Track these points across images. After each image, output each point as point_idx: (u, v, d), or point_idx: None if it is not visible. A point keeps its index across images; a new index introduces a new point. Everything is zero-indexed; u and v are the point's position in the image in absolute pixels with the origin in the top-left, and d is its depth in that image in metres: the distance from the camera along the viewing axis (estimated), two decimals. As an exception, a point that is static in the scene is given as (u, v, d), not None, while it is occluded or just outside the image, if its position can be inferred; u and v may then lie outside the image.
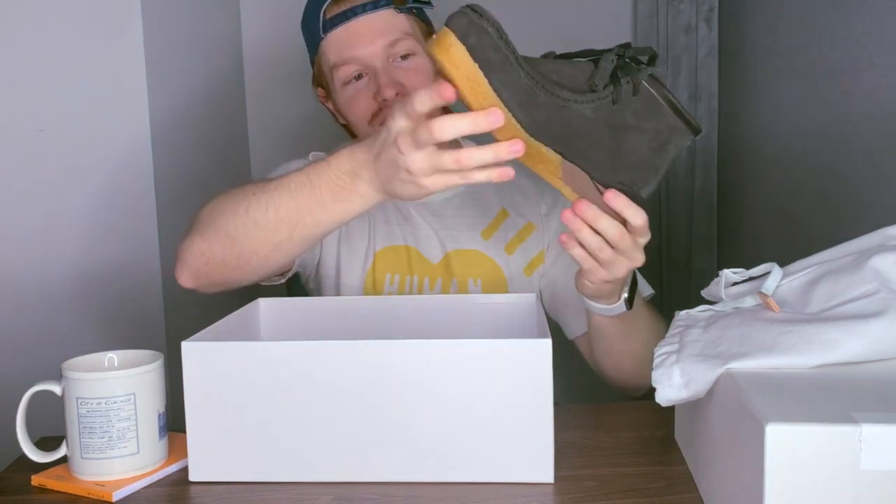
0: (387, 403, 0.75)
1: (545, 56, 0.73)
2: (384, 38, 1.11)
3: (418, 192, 0.76)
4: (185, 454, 0.80)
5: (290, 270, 1.10)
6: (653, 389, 0.72)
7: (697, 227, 1.99)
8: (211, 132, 1.67)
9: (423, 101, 0.70)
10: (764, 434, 0.54)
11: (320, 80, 1.20)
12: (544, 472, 0.75)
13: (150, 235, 1.33)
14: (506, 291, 1.15)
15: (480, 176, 0.73)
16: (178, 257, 0.92)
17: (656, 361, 0.73)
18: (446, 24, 0.67)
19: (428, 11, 1.20)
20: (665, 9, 1.94)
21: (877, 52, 1.21)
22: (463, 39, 0.66)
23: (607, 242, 0.80)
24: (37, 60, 1.28)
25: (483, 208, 1.19)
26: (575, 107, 0.71)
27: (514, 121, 0.70)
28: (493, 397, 0.74)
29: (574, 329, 1.15)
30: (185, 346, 0.77)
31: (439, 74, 0.71)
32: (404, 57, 1.12)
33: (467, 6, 0.67)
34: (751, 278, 0.80)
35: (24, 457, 0.81)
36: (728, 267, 0.81)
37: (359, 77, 1.13)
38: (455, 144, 0.76)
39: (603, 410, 0.96)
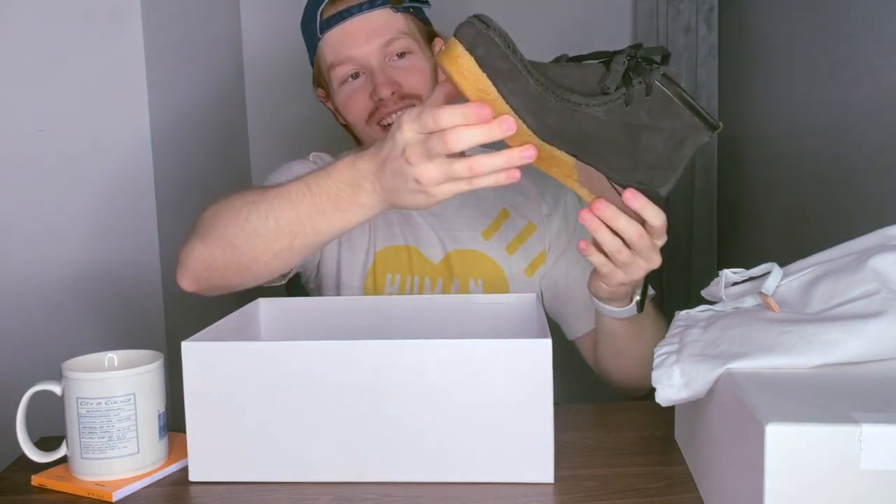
0: (387, 403, 0.75)
1: (557, 60, 0.73)
2: (380, 38, 1.11)
3: (427, 202, 0.75)
4: (185, 454, 0.80)
5: (291, 271, 1.11)
6: (653, 389, 0.72)
7: (697, 227, 1.99)
8: (211, 132, 1.67)
9: (452, 118, 0.69)
10: (764, 434, 0.54)
11: (320, 80, 1.21)
12: (544, 472, 0.75)
13: (150, 235, 1.33)
14: (506, 292, 1.15)
15: (488, 180, 0.73)
16: (180, 262, 0.91)
17: (656, 361, 0.73)
18: (454, 35, 0.67)
19: (427, 11, 1.21)
20: (665, 9, 1.94)
21: (877, 52, 1.21)
22: (470, 50, 0.67)
23: (625, 244, 0.80)
24: (37, 60, 1.28)
25: (484, 208, 1.19)
26: (586, 110, 0.71)
27: (525, 127, 0.70)
28: (493, 397, 0.74)
29: (575, 329, 1.15)
30: (185, 346, 0.77)
31: (449, 83, 0.72)
32: (401, 55, 1.12)
33: (474, 16, 0.68)
34: (751, 278, 0.80)
35: (24, 457, 0.81)
36: (728, 267, 0.81)
37: (356, 76, 1.13)
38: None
39: (603, 410, 0.96)
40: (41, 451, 0.81)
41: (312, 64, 1.20)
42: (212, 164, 1.65)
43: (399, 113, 1.12)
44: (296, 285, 1.26)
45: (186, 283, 0.92)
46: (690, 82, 1.96)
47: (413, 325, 0.97)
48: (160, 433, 0.81)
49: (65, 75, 1.29)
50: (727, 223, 1.94)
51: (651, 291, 1.12)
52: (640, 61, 0.72)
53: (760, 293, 0.75)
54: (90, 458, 0.78)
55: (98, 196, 1.32)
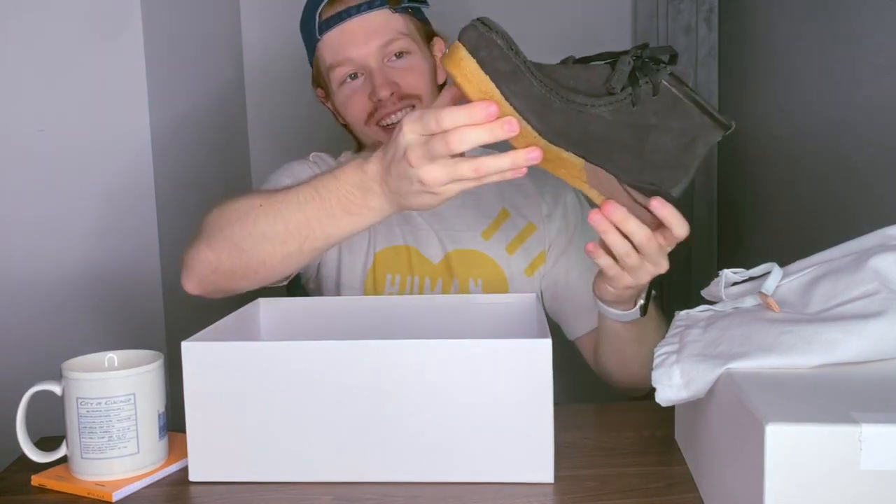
0: (387, 403, 0.75)
1: (563, 62, 0.74)
2: (379, 39, 1.11)
3: (433, 202, 0.75)
4: (185, 454, 0.80)
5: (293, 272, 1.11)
6: (653, 389, 0.72)
7: (697, 227, 1.99)
8: (211, 132, 1.67)
9: (454, 118, 0.69)
10: (764, 434, 0.54)
11: (319, 80, 1.21)
12: (544, 472, 0.75)
13: (150, 235, 1.33)
14: (506, 292, 1.15)
15: (494, 177, 0.73)
16: (185, 264, 0.91)
17: (656, 361, 0.73)
18: (458, 39, 0.68)
19: (426, 11, 1.21)
20: (665, 9, 1.94)
21: (876, 52, 1.21)
22: (473, 52, 0.67)
23: (633, 247, 0.80)
24: (37, 60, 1.28)
25: (484, 208, 1.19)
26: (592, 111, 0.71)
27: (530, 128, 0.70)
28: (493, 397, 0.74)
29: (575, 330, 1.15)
30: (185, 346, 0.77)
31: (454, 87, 0.72)
32: (399, 56, 1.12)
33: (477, 19, 0.68)
34: (751, 278, 0.80)
35: (24, 457, 0.81)
36: (728, 267, 0.81)
37: (354, 77, 1.13)
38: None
39: (603, 410, 0.96)
40: (41, 451, 0.81)
41: (311, 64, 1.20)
42: (212, 164, 1.65)
43: (400, 113, 1.13)
44: (296, 285, 1.27)
45: (191, 286, 0.91)
46: (690, 82, 1.96)
47: (413, 325, 0.97)
48: (160, 433, 0.81)
49: (65, 75, 1.29)
50: (727, 223, 1.94)
51: (653, 292, 1.12)
52: (646, 61, 0.72)
53: (760, 293, 0.75)
54: (90, 458, 0.78)
55: (98, 196, 1.32)
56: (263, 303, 1.00)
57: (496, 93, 0.68)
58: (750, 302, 0.77)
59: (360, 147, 1.25)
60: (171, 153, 1.40)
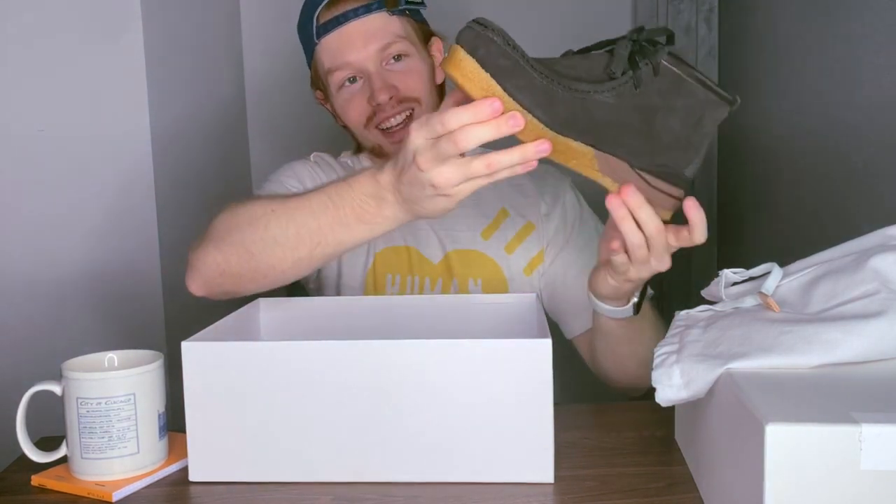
0: (387, 403, 0.75)
1: (563, 55, 0.74)
2: (377, 42, 1.11)
3: (447, 205, 0.75)
4: (185, 454, 0.80)
5: None
6: (652, 389, 0.72)
7: (697, 227, 1.99)
8: (211, 131, 1.67)
9: (459, 118, 0.69)
10: (764, 434, 0.54)
11: (318, 83, 1.21)
12: (544, 472, 0.75)
13: (150, 235, 1.33)
14: (506, 291, 1.15)
15: (506, 173, 0.73)
16: (191, 266, 0.91)
17: (656, 361, 0.73)
18: (455, 41, 0.68)
19: (426, 12, 1.20)
20: (665, 9, 1.95)
21: (876, 52, 1.21)
22: (472, 52, 0.68)
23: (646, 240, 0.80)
24: (37, 60, 1.28)
25: (483, 208, 1.19)
26: (595, 97, 0.71)
27: (536, 121, 0.70)
28: (493, 397, 0.74)
29: (573, 328, 1.15)
30: (185, 346, 0.77)
31: (458, 91, 0.72)
32: (397, 59, 1.12)
33: (472, 21, 0.68)
34: (751, 278, 0.80)
35: (24, 457, 0.81)
36: (728, 267, 0.81)
37: (353, 80, 1.13)
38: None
39: (603, 410, 0.96)
40: (41, 451, 0.81)
41: (310, 66, 1.20)
42: (212, 164, 1.65)
43: (399, 116, 1.13)
44: (296, 285, 1.26)
45: (196, 287, 0.91)
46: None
47: (413, 325, 0.97)
48: (160, 433, 0.81)
49: (65, 75, 1.29)
50: (727, 223, 1.93)
51: (650, 291, 1.12)
52: (643, 44, 0.72)
53: (760, 293, 0.75)
54: (90, 458, 0.78)
55: (98, 196, 1.32)
56: (263, 303, 1.00)
57: (498, 89, 0.68)
58: (750, 302, 0.77)
59: (359, 147, 1.25)
60: (171, 153, 1.40)
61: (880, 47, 1.21)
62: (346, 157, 1.28)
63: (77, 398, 0.77)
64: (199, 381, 0.77)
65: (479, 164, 0.71)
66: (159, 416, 0.81)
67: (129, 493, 0.77)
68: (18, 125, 1.29)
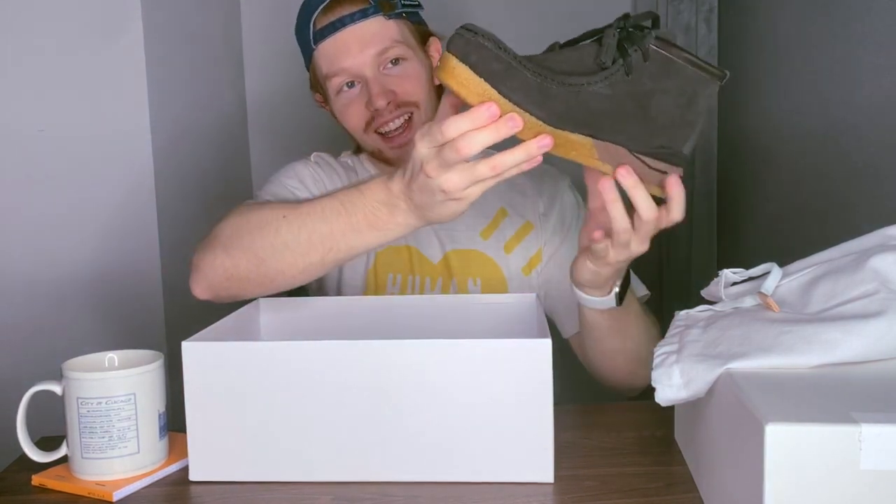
0: (387, 403, 0.75)
1: (550, 48, 0.74)
2: (373, 48, 1.11)
3: (458, 208, 0.76)
4: (185, 454, 0.80)
5: None
6: (651, 389, 0.72)
7: (697, 226, 1.99)
8: (211, 132, 1.67)
9: (458, 126, 0.70)
10: (764, 434, 0.54)
11: (317, 86, 1.21)
12: (544, 472, 0.75)
13: (150, 235, 1.33)
14: (505, 291, 1.15)
15: (513, 171, 0.74)
16: (196, 269, 0.90)
17: (656, 361, 0.73)
18: (446, 50, 0.69)
19: (425, 12, 1.20)
20: (665, 9, 1.94)
21: (876, 52, 1.21)
22: (464, 59, 0.68)
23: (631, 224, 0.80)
24: (37, 61, 1.28)
25: (482, 208, 1.19)
26: (589, 88, 0.72)
27: (534, 119, 0.71)
28: (493, 397, 0.74)
29: (569, 328, 1.15)
30: (185, 346, 0.77)
31: (452, 96, 0.73)
32: (395, 63, 1.12)
33: (461, 27, 0.69)
34: (750, 278, 0.80)
35: (24, 456, 0.81)
36: (728, 267, 0.81)
37: (351, 85, 1.14)
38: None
39: (603, 410, 0.96)
40: (41, 451, 0.81)
41: (308, 69, 1.21)
42: (212, 164, 1.65)
43: (398, 120, 1.13)
44: (297, 285, 1.27)
45: (201, 290, 0.91)
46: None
47: (413, 325, 0.97)
48: (160, 433, 0.81)
49: (65, 75, 1.29)
50: (727, 223, 1.93)
51: (644, 293, 1.12)
52: (631, 31, 0.73)
53: (760, 293, 0.75)
54: (90, 458, 0.78)
55: (99, 196, 1.32)
56: (263, 303, 1.00)
57: (493, 93, 0.69)
58: (749, 302, 0.77)
59: (359, 148, 1.25)
60: (171, 153, 1.40)
61: (880, 47, 1.21)
62: (347, 157, 1.28)
63: (77, 398, 0.77)
64: (199, 381, 0.77)
65: (485, 168, 0.72)
66: (159, 415, 0.81)
67: (129, 492, 0.77)
68: (18, 125, 1.29)
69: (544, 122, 0.71)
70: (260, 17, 1.89)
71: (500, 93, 0.69)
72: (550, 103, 0.71)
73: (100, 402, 0.77)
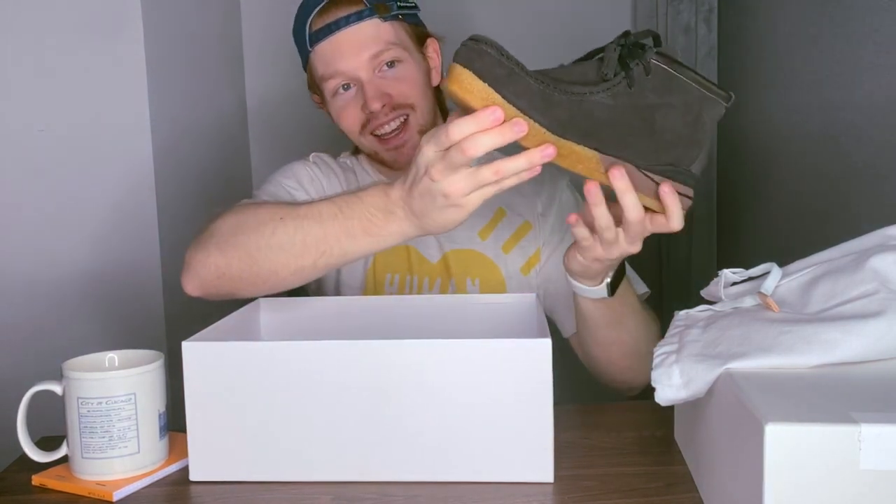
0: (387, 403, 0.75)
1: (556, 68, 0.76)
2: (368, 50, 1.11)
3: (458, 216, 0.77)
4: (185, 454, 0.80)
5: None
6: (650, 389, 0.72)
7: (697, 227, 1.99)
8: (211, 131, 1.67)
9: (463, 129, 0.71)
10: (763, 434, 0.54)
11: (314, 87, 1.21)
12: (544, 471, 0.75)
13: (150, 235, 1.33)
14: (503, 291, 1.15)
15: (513, 179, 0.75)
16: (189, 266, 0.90)
17: (656, 361, 0.73)
18: (453, 60, 0.71)
19: (426, 14, 1.20)
20: (665, 9, 1.94)
21: (876, 52, 1.21)
22: (468, 66, 0.70)
23: (614, 223, 0.81)
24: (37, 60, 1.28)
25: (481, 208, 1.18)
26: (592, 98, 0.73)
27: (538, 126, 0.72)
28: (492, 397, 0.74)
29: (569, 327, 1.15)
30: (186, 346, 0.77)
31: (460, 108, 0.74)
32: (391, 65, 1.12)
33: (467, 39, 0.71)
34: (750, 278, 0.80)
35: (24, 456, 0.81)
36: (728, 267, 0.81)
37: (347, 87, 1.14)
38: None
39: (603, 410, 0.96)
40: (42, 451, 0.81)
41: (305, 70, 1.21)
42: (212, 164, 1.65)
43: (394, 122, 1.12)
44: (296, 285, 1.26)
45: (192, 287, 0.91)
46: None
47: (413, 324, 0.97)
48: (160, 433, 0.81)
49: (65, 75, 1.29)
50: (727, 223, 1.93)
51: (644, 290, 1.12)
52: (632, 47, 0.75)
53: (760, 293, 0.75)
54: (91, 458, 0.78)
55: (99, 196, 1.32)
56: (264, 303, 1.00)
57: (497, 97, 0.70)
58: (749, 302, 0.77)
59: (357, 149, 1.26)
60: (171, 153, 1.40)
61: (880, 47, 1.21)
62: (346, 158, 1.28)
63: (78, 398, 0.78)
64: (199, 381, 0.77)
65: (487, 172, 0.73)
66: (160, 415, 0.81)
67: (129, 492, 0.77)
68: (18, 125, 1.29)
69: (547, 128, 0.72)
70: (260, 17, 1.89)
71: (504, 97, 0.70)
72: (553, 110, 0.72)
73: (100, 402, 0.77)
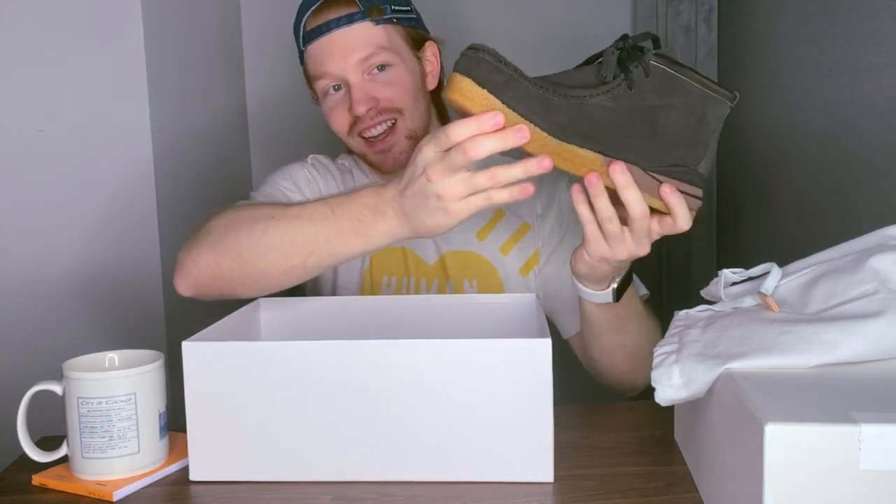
0: (386, 403, 0.75)
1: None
2: (357, 54, 1.11)
3: (446, 221, 0.77)
4: (185, 454, 0.80)
5: None
6: (650, 389, 0.72)
7: (697, 226, 1.99)
8: (211, 131, 1.67)
9: (462, 130, 0.71)
10: (763, 434, 0.54)
11: (310, 84, 1.21)
12: (544, 471, 0.75)
13: (150, 235, 1.33)
14: (501, 292, 1.15)
15: (504, 195, 0.75)
16: (181, 266, 0.91)
17: (656, 361, 0.73)
18: (453, 70, 0.72)
19: (426, 14, 1.20)
20: (665, 9, 1.94)
21: (876, 52, 1.21)
22: (467, 74, 0.71)
23: (621, 219, 0.80)
24: (37, 60, 1.28)
25: (480, 209, 1.19)
26: (592, 100, 0.73)
27: (539, 131, 0.72)
28: (492, 397, 0.74)
29: (568, 328, 1.15)
30: (186, 346, 0.77)
31: (461, 116, 0.74)
32: (381, 68, 1.12)
33: (465, 48, 0.72)
34: (750, 278, 0.80)
35: (24, 456, 0.81)
36: (728, 267, 0.81)
37: (337, 88, 1.14)
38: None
39: (603, 410, 0.96)
40: (42, 451, 0.81)
41: (302, 66, 1.21)
42: (213, 163, 1.65)
43: (381, 126, 1.13)
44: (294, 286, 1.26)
45: (184, 286, 0.91)
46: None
47: (412, 325, 0.97)
48: (161, 433, 0.81)
49: (65, 75, 1.29)
50: (727, 223, 1.93)
51: (644, 292, 1.12)
52: (630, 50, 0.75)
53: (760, 293, 0.75)
54: (91, 458, 0.78)
55: (99, 196, 1.32)
56: (263, 303, 1.00)
57: (497, 103, 0.71)
58: (749, 302, 0.77)
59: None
60: (171, 153, 1.40)
61: (880, 47, 1.21)
62: (343, 159, 1.28)
63: (78, 398, 0.78)
64: (199, 381, 0.77)
65: (483, 177, 0.73)
66: (160, 415, 0.81)
67: (129, 492, 0.77)
68: (18, 125, 1.29)
69: (547, 132, 0.72)
70: (260, 17, 1.89)
71: (504, 103, 0.71)
72: (553, 114, 0.72)
73: (100, 402, 0.77)
